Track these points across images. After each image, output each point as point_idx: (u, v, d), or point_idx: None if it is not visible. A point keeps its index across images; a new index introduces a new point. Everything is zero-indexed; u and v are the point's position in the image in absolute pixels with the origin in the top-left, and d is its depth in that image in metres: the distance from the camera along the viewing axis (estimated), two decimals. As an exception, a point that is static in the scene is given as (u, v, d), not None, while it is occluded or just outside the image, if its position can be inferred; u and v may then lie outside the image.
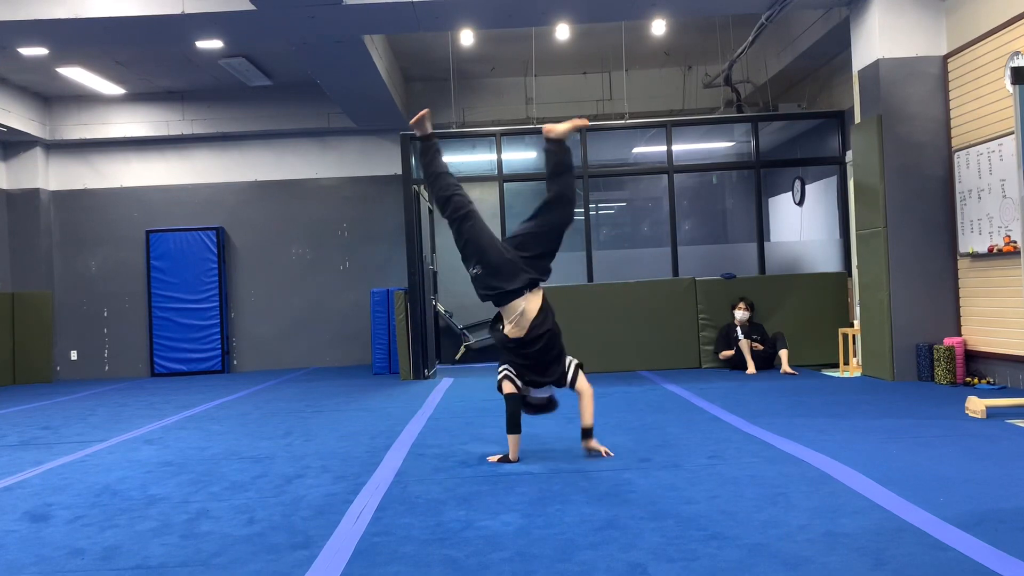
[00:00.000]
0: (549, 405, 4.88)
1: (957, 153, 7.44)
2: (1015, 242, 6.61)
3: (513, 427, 4.72)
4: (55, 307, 12.33)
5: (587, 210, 10.13)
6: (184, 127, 12.03)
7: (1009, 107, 6.58)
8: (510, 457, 4.73)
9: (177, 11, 7.67)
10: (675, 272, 9.87)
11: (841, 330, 8.79)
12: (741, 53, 9.50)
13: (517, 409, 4.72)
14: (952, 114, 7.57)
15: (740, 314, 9.09)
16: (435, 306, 11.54)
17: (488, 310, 4.94)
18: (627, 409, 6.54)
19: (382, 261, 12.40)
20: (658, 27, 9.41)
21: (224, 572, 3.04)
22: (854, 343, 8.69)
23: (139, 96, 11.89)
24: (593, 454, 4.78)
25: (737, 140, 11.54)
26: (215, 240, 12.22)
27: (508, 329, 4.74)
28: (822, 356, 9.28)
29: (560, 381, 4.83)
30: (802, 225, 10.98)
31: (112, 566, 3.17)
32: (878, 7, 7.66)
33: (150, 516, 3.87)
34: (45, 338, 11.99)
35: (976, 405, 5.59)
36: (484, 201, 12.48)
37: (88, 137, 12.09)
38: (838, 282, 9.58)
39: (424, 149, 4.99)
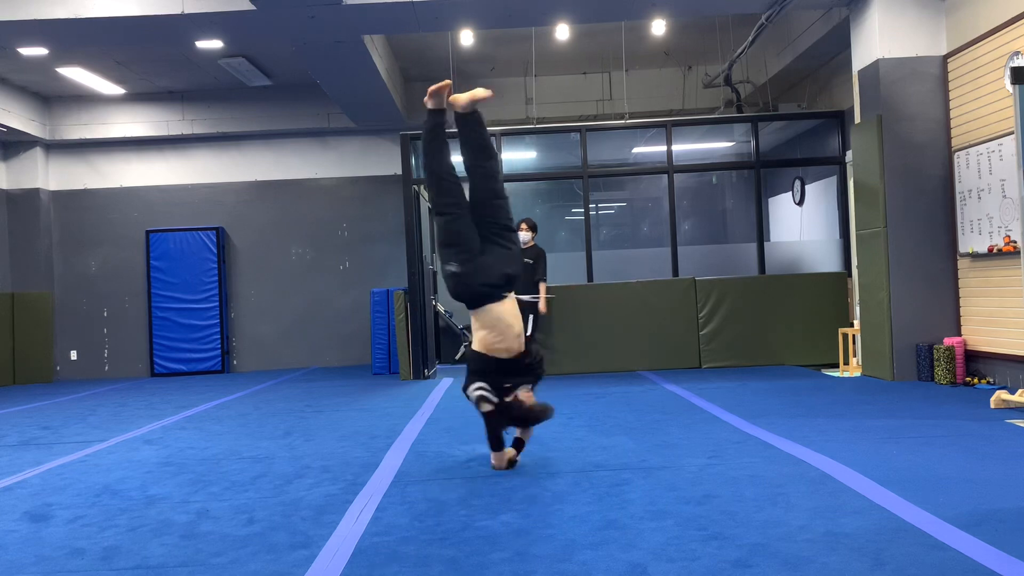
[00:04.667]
0: (543, 411, 4.50)
1: (957, 153, 7.44)
2: (1015, 242, 6.61)
3: (497, 445, 4.51)
4: (55, 307, 12.32)
5: (587, 210, 10.12)
6: (184, 127, 12.03)
7: (1009, 107, 6.57)
8: (498, 467, 4.53)
9: (177, 11, 7.67)
10: (675, 272, 9.86)
11: (841, 330, 8.79)
12: (741, 53, 9.50)
13: (499, 431, 4.46)
14: (952, 114, 7.57)
15: (523, 235, 8.72)
16: (435, 306, 11.55)
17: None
18: (627, 409, 6.54)
19: (382, 261, 12.39)
20: (658, 27, 9.41)
21: (224, 572, 3.04)
22: (854, 343, 8.69)
23: (139, 96, 11.89)
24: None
25: (737, 140, 11.53)
26: (215, 240, 12.21)
27: (490, 345, 4.41)
28: (822, 356, 9.28)
29: (535, 372, 4.54)
30: (802, 225, 10.98)
31: (112, 566, 3.17)
32: (878, 7, 7.66)
33: (150, 516, 3.87)
34: (45, 338, 11.98)
35: (1006, 396, 5.86)
36: (484, 201, 12.50)
37: (88, 137, 12.08)
38: (838, 282, 9.58)
39: (431, 127, 4.62)
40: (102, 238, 12.44)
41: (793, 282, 9.58)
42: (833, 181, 10.25)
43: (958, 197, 7.45)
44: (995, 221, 6.90)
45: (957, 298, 7.59)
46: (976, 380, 7.14)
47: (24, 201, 12.16)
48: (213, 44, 8.92)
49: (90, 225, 12.46)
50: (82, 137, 12.09)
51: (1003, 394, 5.89)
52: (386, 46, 10.26)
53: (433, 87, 4.63)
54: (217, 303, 12.16)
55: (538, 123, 11.01)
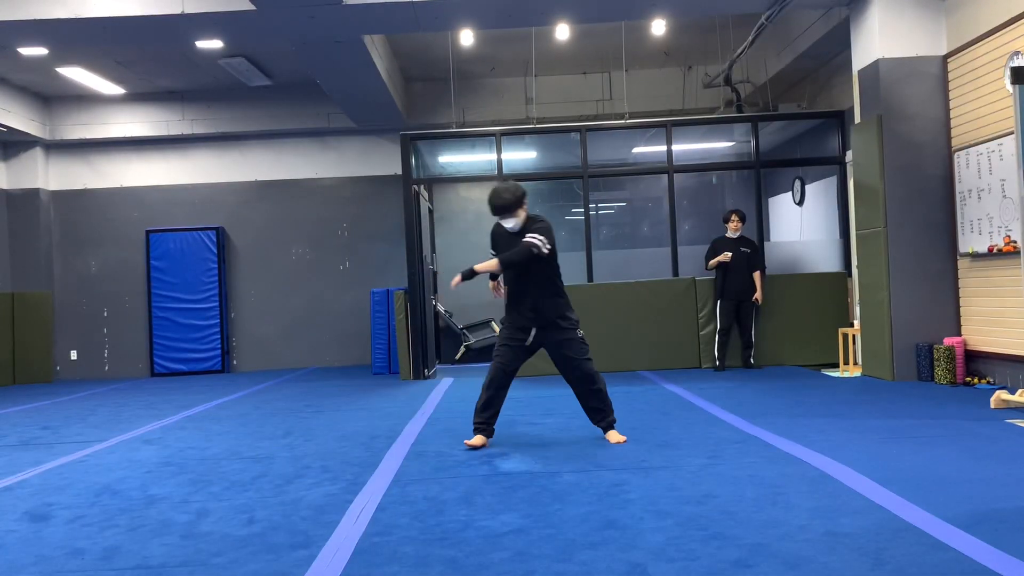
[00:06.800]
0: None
1: (957, 153, 7.44)
2: (1015, 242, 6.61)
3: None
4: (55, 307, 12.32)
5: (587, 210, 10.12)
6: (184, 127, 12.03)
7: (1009, 107, 6.57)
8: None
9: (177, 11, 7.67)
10: (675, 272, 9.86)
11: (841, 330, 8.79)
12: (741, 53, 9.49)
13: None
14: (952, 114, 7.57)
15: (732, 227, 9.26)
16: (435, 306, 11.55)
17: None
18: (627, 409, 6.54)
19: (382, 261, 12.39)
20: (658, 27, 9.41)
21: (224, 572, 3.04)
22: (854, 343, 8.69)
23: (139, 96, 11.89)
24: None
25: (737, 140, 11.53)
26: (215, 240, 12.21)
27: None
28: (822, 356, 9.28)
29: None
30: (802, 225, 10.98)
31: (112, 566, 3.17)
32: (878, 7, 7.66)
33: (150, 516, 3.87)
34: (45, 338, 11.98)
35: (1006, 396, 5.86)
36: (484, 201, 12.48)
37: (88, 137, 12.08)
38: (838, 282, 9.58)
39: None
40: (102, 238, 12.44)
41: (793, 282, 9.58)
42: (833, 181, 10.25)
43: (958, 197, 7.45)
44: (995, 221, 6.90)
45: (957, 298, 7.59)
46: (976, 380, 7.14)
47: (24, 201, 12.16)
48: (213, 44, 8.92)
49: (90, 225, 12.46)
50: (82, 137, 12.08)
51: (1003, 394, 5.89)
52: (386, 46, 10.26)
53: None
54: (217, 303, 12.16)
55: (538, 123, 11.01)
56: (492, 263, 5.06)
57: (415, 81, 12.00)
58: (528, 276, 5.12)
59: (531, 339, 5.24)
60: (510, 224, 5.14)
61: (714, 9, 8.60)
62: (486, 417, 5.17)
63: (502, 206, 5.10)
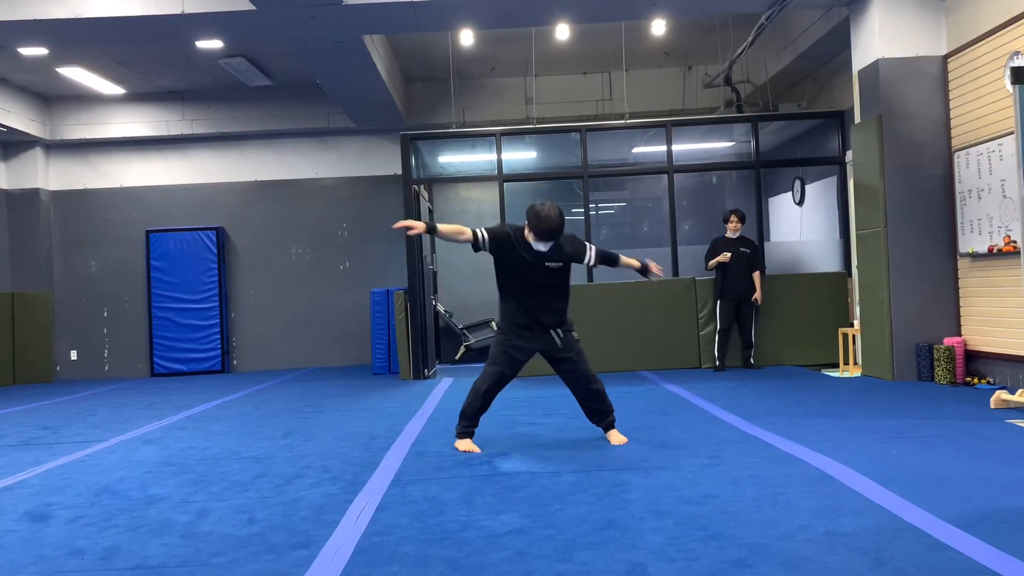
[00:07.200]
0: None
1: (957, 153, 7.45)
2: (1015, 242, 6.61)
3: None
4: (55, 307, 12.32)
5: (587, 210, 10.12)
6: (184, 127, 12.03)
7: (1009, 107, 6.58)
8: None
9: (177, 11, 7.67)
10: (675, 272, 9.86)
11: (841, 330, 8.79)
12: (741, 53, 9.50)
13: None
14: (952, 114, 7.57)
15: (732, 227, 9.27)
16: (435, 306, 11.55)
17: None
18: (627, 409, 6.54)
19: (382, 261, 12.39)
20: (658, 27, 9.41)
21: (224, 572, 3.04)
22: (854, 343, 8.69)
23: (139, 96, 11.89)
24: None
25: (737, 140, 11.53)
26: (215, 240, 12.21)
27: None
28: (822, 356, 9.28)
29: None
30: (802, 225, 10.98)
31: (112, 566, 3.17)
32: (878, 7, 7.66)
33: (150, 516, 3.87)
34: (45, 338, 11.98)
35: (1006, 396, 5.86)
36: (484, 201, 12.51)
37: (88, 137, 12.09)
38: (838, 282, 9.58)
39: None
40: (102, 238, 12.44)
41: (793, 282, 9.58)
42: (833, 181, 10.25)
43: (958, 197, 7.45)
44: (995, 221, 6.90)
45: (957, 298, 7.59)
46: (976, 380, 7.14)
47: (24, 201, 12.16)
48: (213, 44, 8.92)
49: (90, 225, 12.46)
50: (82, 137, 12.09)
51: (1003, 394, 5.89)
52: (386, 46, 10.26)
53: None
54: (217, 303, 12.16)
55: (538, 123, 11.01)
56: (632, 259, 5.45)
57: (415, 81, 12.00)
58: (554, 285, 5.12)
59: (536, 345, 5.19)
60: (545, 246, 5.02)
61: (714, 9, 8.61)
62: (475, 419, 5.17)
63: (558, 230, 4.99)
